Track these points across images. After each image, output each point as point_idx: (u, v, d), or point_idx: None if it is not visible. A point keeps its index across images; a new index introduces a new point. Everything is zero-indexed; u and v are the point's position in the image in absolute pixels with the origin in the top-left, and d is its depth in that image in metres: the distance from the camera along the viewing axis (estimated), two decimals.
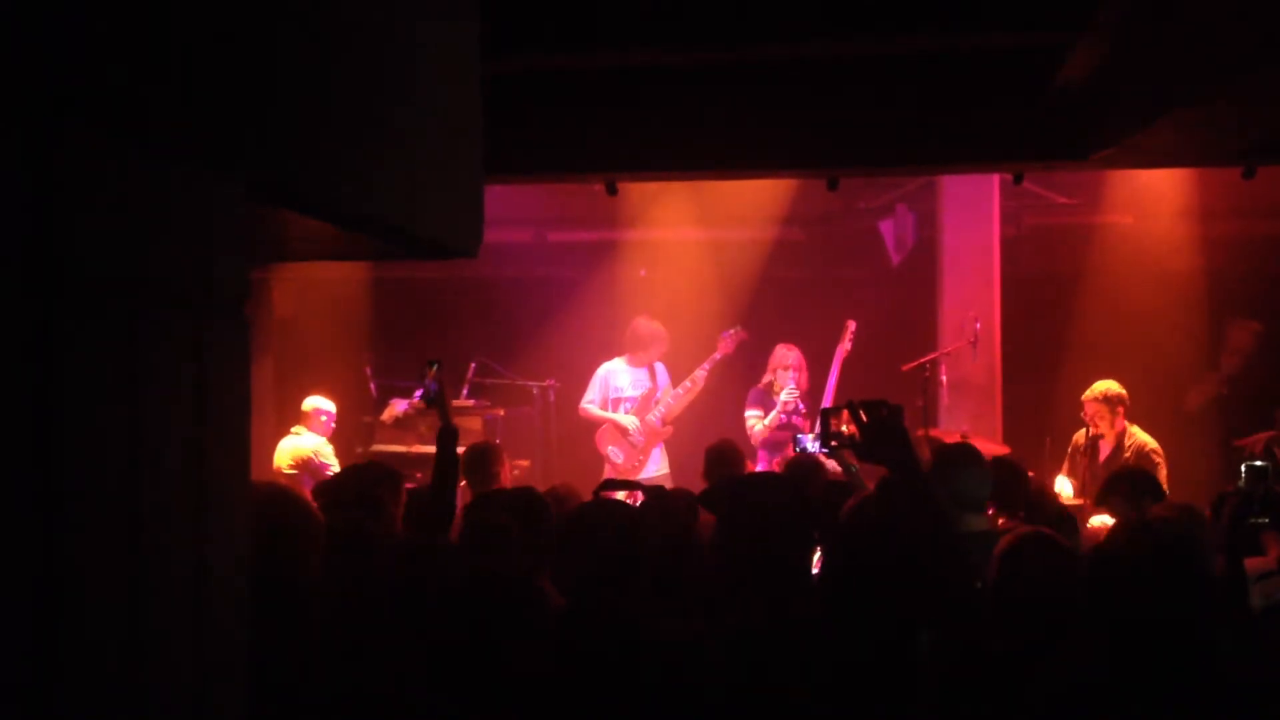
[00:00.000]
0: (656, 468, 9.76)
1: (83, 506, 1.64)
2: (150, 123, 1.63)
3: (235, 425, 2.02)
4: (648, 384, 9.79)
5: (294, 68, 2.06)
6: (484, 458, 6.71)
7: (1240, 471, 4.69)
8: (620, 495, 6.00)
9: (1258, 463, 4.70)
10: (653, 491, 5.76)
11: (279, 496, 3.62)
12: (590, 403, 9.82)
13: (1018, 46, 6.01)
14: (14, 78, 1.48)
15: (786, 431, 9.07)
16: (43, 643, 1.58)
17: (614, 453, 9.71)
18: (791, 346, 9.47)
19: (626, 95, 6.55)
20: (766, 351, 9.63)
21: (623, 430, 9.69)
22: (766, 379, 9.46)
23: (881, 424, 3.70)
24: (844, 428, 4.21)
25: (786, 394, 9.25)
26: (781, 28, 5.26)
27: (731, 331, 9.69)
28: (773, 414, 9.25)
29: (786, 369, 9.34)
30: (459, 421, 7.88)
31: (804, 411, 9.25)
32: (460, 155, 2.82)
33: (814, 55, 6.02)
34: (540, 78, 6.35)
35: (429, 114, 2.65)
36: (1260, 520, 4.61)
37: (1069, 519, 5.93)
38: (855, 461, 5.94)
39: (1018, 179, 7.60)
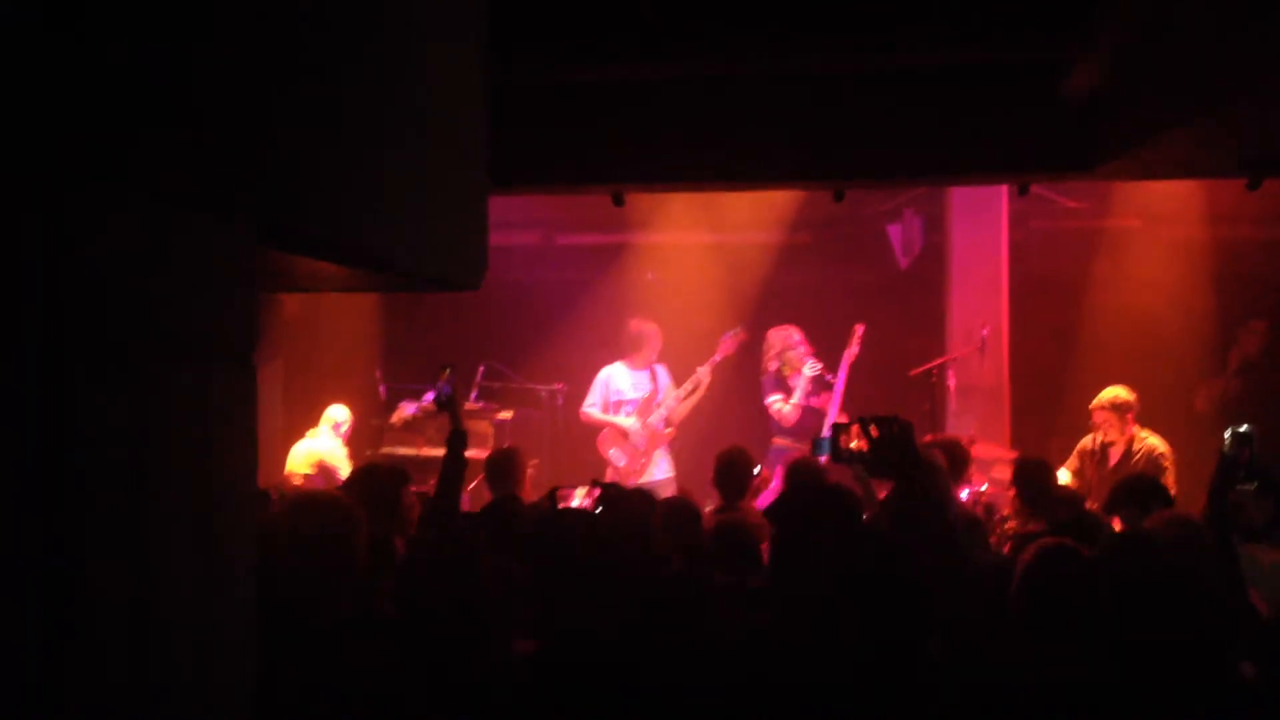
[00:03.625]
0: (661, 471, 9.76)
1: (89, 550, 1.67)
2: (158, 176, 1.67)
3: (241, 467, 2.06)
4: (649, 386, 9.79)
5: (300, 115, 2.09)
6: (507, 464, 6.75)
7: (1224, 437, 4.65)
8: (579, 493, 6.02)
9: (1242, 428, 4.65)
10: (609, 491, 5.79)
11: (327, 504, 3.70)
12: (591, 406, 9.84)
13: (1023, 62, 6.02)
14: (23, 139, 1.51)
15: (806, 425, 9.13)
16: (48, 689, 1.62)
17: (616, 456, 9.72)
18: (785, 326, 9.46)
19: (632, 108, 6.57)
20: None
21: (624, 433, 9.70)
22: (774, 366, 9.45)
23: (892, 440, 3.72)
24: (854, 443, 4.23)
25: (809, 368, 9.25)
26: (787, 44, 5.28)
27: (732, 333, 9.69)
28: (799, 391, 9.24)
29: (795, 347, 9.34)
30: (469, 424, 7.95)
31: (830, 381, 9.26)
32: (465, 192, 2.85)
33: (819, 70, 6.04)
34: (546, 90, 6.38)
35: (434, 153, 2.69)
36: (1247, 486, 4.58)
37: (1092, 520, 5.93)
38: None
39: (1023, 190, 7.62)
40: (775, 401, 9.39)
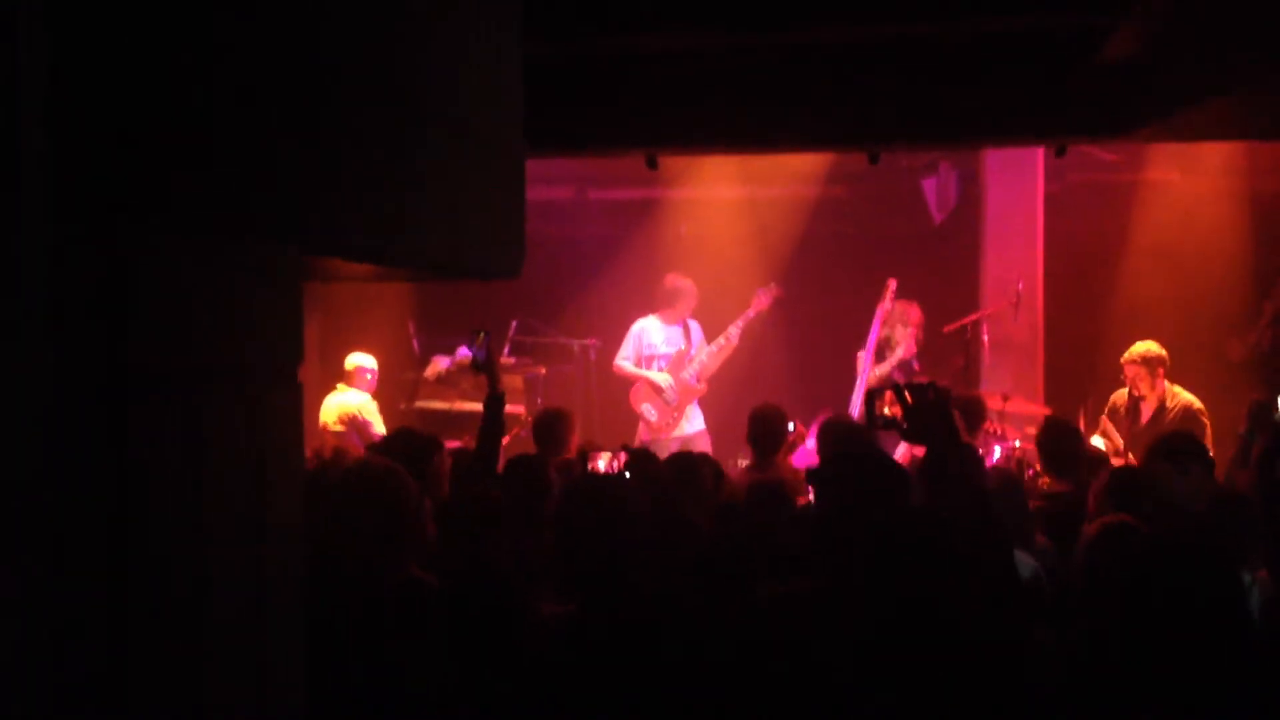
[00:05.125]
0: (692, 426, 9.79)
1: (151, 554, 1.77)
2: (209, 220, 1.71)
3: (289, 477, 2.11)
4: (681, 342, 9.81)
5: (338, 132, 2.11)
6: (555, 424, 6.81)
7: (1277, 405, 4.60)
8: (604, 457, 6.07)
9: None
10: (635, 454, 5.82)
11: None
12: (624, 359, 9.85)
13: (1061, 27, 5.96)
14: (84, 193, 1.56)
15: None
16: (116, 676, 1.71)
17: (648, 411, 9.75)
18: (914, 305, 9.43)
19: (666, 73, 6.55)
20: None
21: (657, 388, 9.72)
22: (885, 332, 9.41)
23: (928, 406, 3.70)
24: (887, 409, 4.21)
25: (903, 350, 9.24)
26: (824, 11, 5.25)
27: (766, 288, 9.69)
28: (884, 365, 9.20)
29: (907, 325, 9.30)
30: (502, 379, 8.00)
31: (917, 370, 9.25)
32: (503, 184, 2.87)
33: (856, 37, 6.01)
34: (581, 56, 6.37)
35: (471, 150, 2.70)
36: None
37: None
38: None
39: (1060, 151, 7.57)
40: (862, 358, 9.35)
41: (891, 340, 9.29)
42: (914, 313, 9.32)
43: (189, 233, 1.76)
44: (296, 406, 2.06)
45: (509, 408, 7.38)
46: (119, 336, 1.66)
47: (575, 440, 6.84)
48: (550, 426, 6.74)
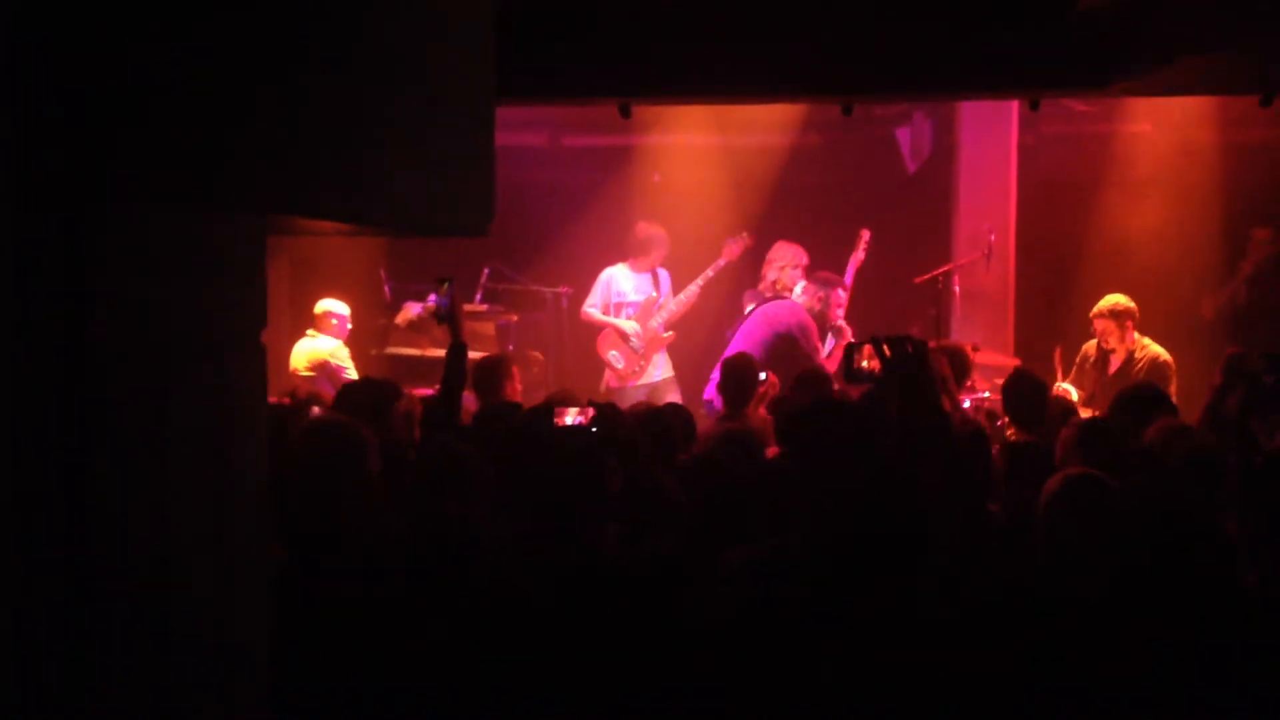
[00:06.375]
0: (660, 373, 9.82)
1: (113, 516, 1.78)
2: (171, 192, 1.69)
3: (253, 440, 2.09)
4: (650, 290, 9.80)
5: (307, 97, 2.07)
6: (492, 370, 6.77)
7: (1260, 360, 4.65)
8: (571, 413, 6.04)
9: None
10: (602, 410, 5.79)
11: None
12: (592, 306, 9.85)
13: None
14: (45, 174, 1.55)
15: None
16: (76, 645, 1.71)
17: (615, 358, 9.75)
18: (794, 244, 9.32)
19: (640, 21, 6.49)
20: None
21: (624, 335, 9.72)
22: (772, 277, 9.33)
23: (905, 359, 3.70)
24: (865, 362, 4.19)
25: (799, 292, 9.14)
26: None
27: (737, 237, 9.65)
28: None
29: (797, 268, 9.22)
30: (473, 326, 7.98)
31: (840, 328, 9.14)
32: (471, 140, 2.82)
33: None
34: (554, 4, 6.30)
35: (438, 106, 2.66)
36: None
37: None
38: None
39: (1034, 105, 7.55)
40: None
41: (780, 283, 9.15)
42: (803, 254, 9.23)
43: (150, 206, 1.74)
44: (260, 372, 2.04)
45: (479, 354, 7.36)
46: (82, 313, 1.66)
47: (512, 386, 6.79)
48: (485, 372, 6.70)
